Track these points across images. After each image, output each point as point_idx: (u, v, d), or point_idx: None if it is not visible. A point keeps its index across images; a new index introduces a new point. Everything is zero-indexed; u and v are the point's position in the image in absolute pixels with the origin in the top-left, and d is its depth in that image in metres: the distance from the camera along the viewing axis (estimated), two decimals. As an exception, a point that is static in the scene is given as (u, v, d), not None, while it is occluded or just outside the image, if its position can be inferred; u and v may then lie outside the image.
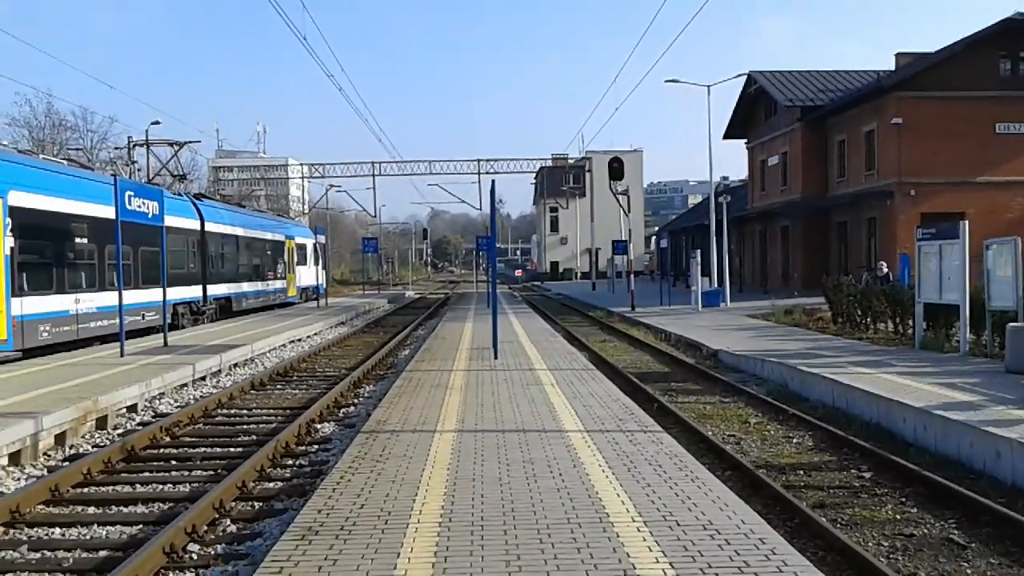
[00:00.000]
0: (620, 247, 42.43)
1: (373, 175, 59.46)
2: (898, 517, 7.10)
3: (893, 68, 39.25)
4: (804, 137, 40.44)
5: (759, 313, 26.63)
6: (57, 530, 7.01)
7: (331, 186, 66.25)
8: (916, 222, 24.39)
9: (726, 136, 49.73)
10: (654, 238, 75.25)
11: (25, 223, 16.06)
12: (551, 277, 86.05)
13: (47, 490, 7.84)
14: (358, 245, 64.13)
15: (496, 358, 15.16)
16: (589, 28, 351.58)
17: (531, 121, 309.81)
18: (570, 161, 75.28)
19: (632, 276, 35.40)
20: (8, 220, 15.47)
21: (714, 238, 34.04)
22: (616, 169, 37.03)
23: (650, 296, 37.06)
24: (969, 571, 5.95)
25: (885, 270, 23.54)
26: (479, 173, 59.98)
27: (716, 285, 33.45)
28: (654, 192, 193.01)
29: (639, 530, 5.45)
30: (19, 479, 8.73)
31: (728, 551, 5.03)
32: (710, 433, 10.36)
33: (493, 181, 16.59)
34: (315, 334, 24.64)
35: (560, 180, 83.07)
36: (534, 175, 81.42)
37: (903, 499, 7.57)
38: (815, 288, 28.09)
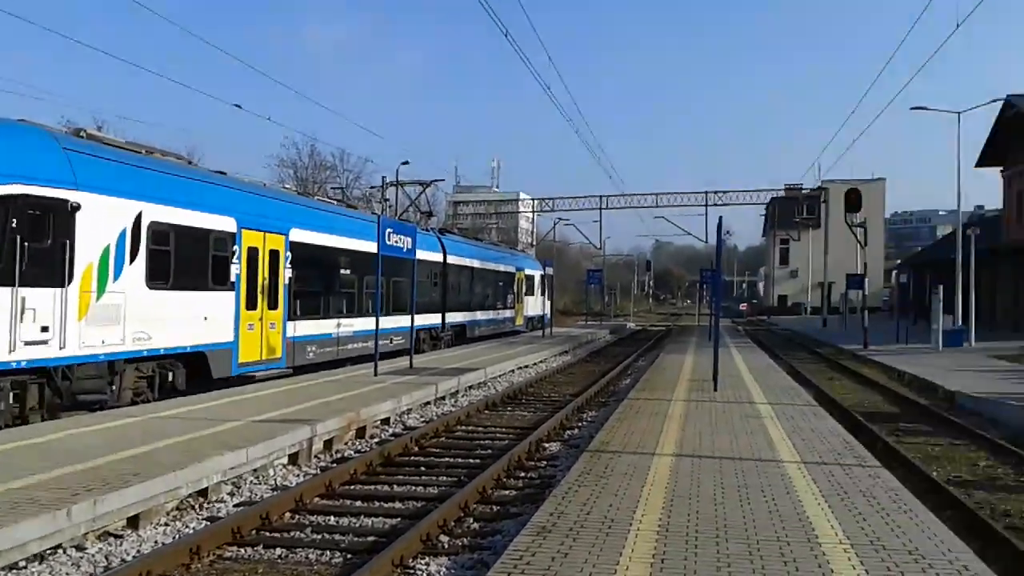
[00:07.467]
0: (855, 281, 40.64)
1: (600, 208, 61.06)
2: None
3: None
4: (1067, 164, 37.00)
5: (1006, 355, 24.84)
6: (332, 518, 8.35)
7: (559, 219, 68.51)
8: None
9: (979, 164, 46.28)
10: (894, 272, 70.96)
11: (300, 256, 18.47)
12: (779, 311, 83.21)
13: (323, 485, 9.30)
14: (581, 276, 65.70)
15: (716, 390, 15.51)
16: (830, 54, 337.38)
17: (764, 151, 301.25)
18: (804, 191, 72.93)
19: (867, 312, 33.91)
20: (288, 254, 17.91)
21: (960, 273, 31.93)
22: (853, 200, 35.79)
23: (886, 334, 35.32)
24: None
25: None
26: (707, 205, 59.88)
27: (960, 323, 31.36)
28: (898, 223, 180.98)
29: (845, 551, 5.84)
30: (298, 475, 10.33)
31: (930, 573, 5.34)
32: (935, 474, 10.22)
33: (720, 217, 16.94)
34: (541, 361, 25.92)
35: (792, 211, 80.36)
36: (764, 206, 79.57)
37: None
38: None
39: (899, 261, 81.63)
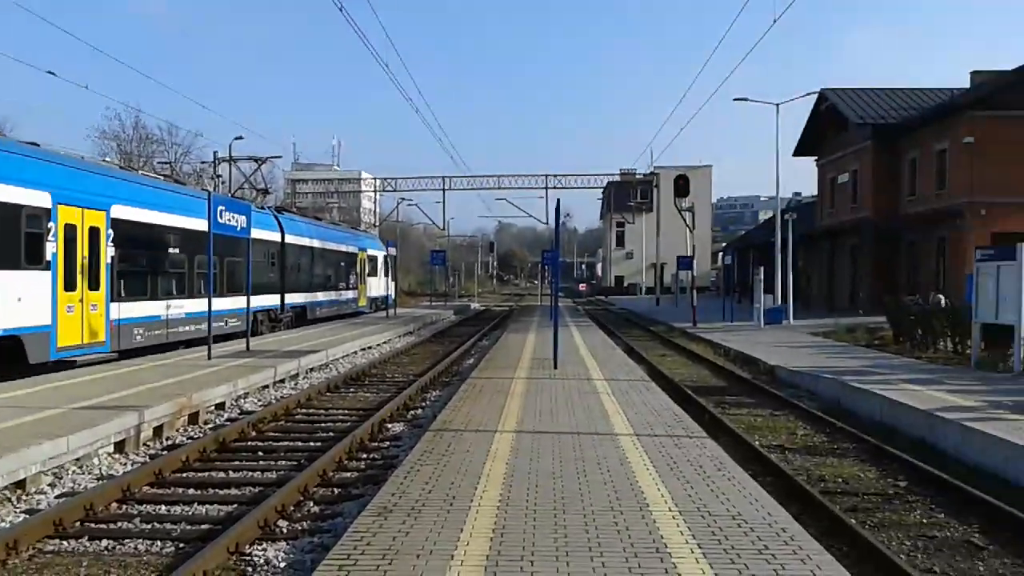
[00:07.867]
0: (685, 263, 42.70)
1: (443, 189, 60.78)
2: (925, 521, 7.63)
3: (968, 86, 38.84)
4: (875, 155, 40.15)
5: (821, 331, 26.83)
6: (163, 507, 7.99)
7: (402, 199, 67.87)
8: (987, 242, 24.19)
9: (797, 153, 49.55)
10: (720, 254, 75.02)
11: (124, 234, 17.41)
12: (616, 292, 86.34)
13: (152, 473, 8.86)
14: (426, 257, 65.52)
15: (556, 368, 15.91)
16: (660, 43, 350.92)
17: (600, 137, 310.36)
18: (638, 176, 75.68)
19: (695, 292, 35.70)
20: (110, 232, 16.85)
21: (779, 255, 34.22)
22: (681, 186, 37.46)
23: (713, 312, 37.33)
24: (982, 569, 6.46)
25: (943, 303, 22.98)
26: (547, 188, 60.80)
27: (780, 302, 33.60)
28: (724, 207, 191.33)
29: (674, 518, 6.14)
30: (125, 464, 9.80)
31: (751, 536, 5.70)
32: (757, 443, 10.91)
33: (559, 200, 17.32)
34: (385, 342, 25.72)
35: (627, 195, 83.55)
36: (601, 190, 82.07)
37: (932, 506, 8.08)
38: (883, 308, 28.07)
39: (724, 244, 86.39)
